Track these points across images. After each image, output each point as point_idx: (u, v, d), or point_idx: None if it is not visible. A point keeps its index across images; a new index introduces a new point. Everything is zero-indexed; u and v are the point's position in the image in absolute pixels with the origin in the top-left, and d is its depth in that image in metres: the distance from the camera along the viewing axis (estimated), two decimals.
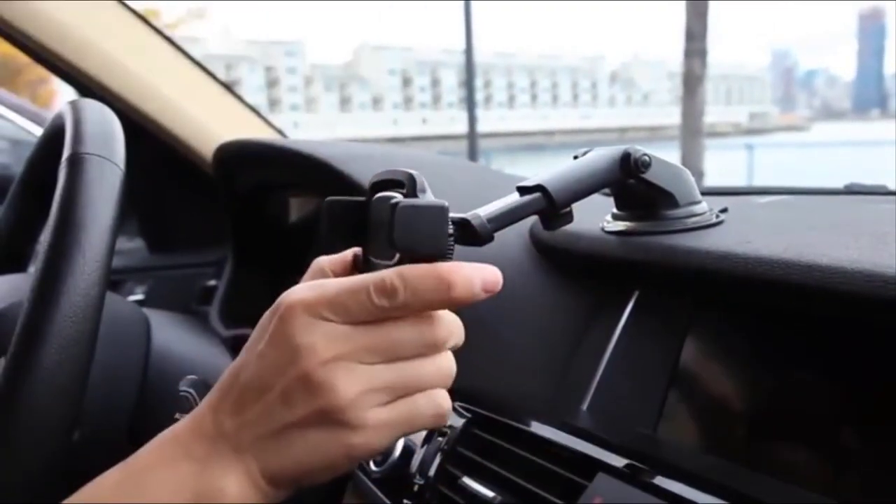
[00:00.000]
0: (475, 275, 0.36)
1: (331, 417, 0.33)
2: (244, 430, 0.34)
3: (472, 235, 0.46)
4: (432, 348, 0.36)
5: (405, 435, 0.36)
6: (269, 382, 0.34)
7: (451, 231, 0.37)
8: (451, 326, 0.37)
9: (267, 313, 0.36)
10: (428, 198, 0.38)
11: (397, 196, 0.43)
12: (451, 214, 0.38)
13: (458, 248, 0.42)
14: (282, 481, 0.34)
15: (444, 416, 0.37)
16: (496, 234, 0.47)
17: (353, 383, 0.33)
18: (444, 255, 0.37)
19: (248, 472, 0.34)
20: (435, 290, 0.35)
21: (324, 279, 0.38)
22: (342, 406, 0.33)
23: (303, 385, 0.33)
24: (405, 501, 0.56)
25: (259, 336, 0.35)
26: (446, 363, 0.37)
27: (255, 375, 0.34)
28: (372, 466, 0.64)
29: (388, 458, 0.63)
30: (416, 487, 0.55)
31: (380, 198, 0.46)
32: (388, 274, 0.35)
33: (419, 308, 0.35)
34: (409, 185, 0.44)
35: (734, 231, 0.55)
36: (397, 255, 0.39)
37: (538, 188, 0.50)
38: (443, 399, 0.37)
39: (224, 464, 0.34)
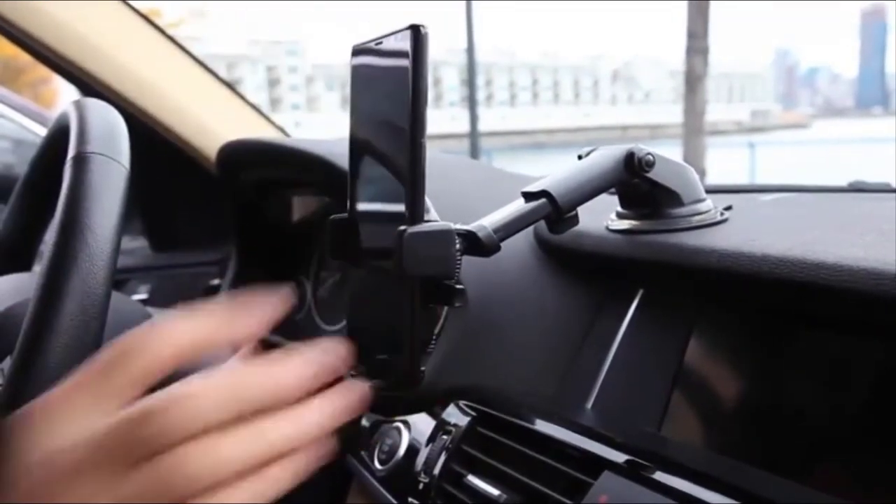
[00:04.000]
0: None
1: None
2: None
3: (478, 247, 0.45)
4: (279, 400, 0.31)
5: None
6: None
7: (458, 249, 0.37)
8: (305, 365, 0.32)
9: None
10: (431, 216, 0.38)
11: None
12: (457, 227, 0.38)
13: (465, 256, 0.42)
14: None
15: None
16: None
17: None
18: (451, 275, 0.37)
19: None
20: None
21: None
22: None
23: None
24: (410, 500, 0.56)
25: None
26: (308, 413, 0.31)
27: None
28: (377, 465, 0.64)
29: (393, 457, 0.63)
30: (420, 486, 0.55)
31: None
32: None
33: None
34: None
35: (739, 229, 0.55)
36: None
37: (543, 194, 0.50)
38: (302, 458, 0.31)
39: None
